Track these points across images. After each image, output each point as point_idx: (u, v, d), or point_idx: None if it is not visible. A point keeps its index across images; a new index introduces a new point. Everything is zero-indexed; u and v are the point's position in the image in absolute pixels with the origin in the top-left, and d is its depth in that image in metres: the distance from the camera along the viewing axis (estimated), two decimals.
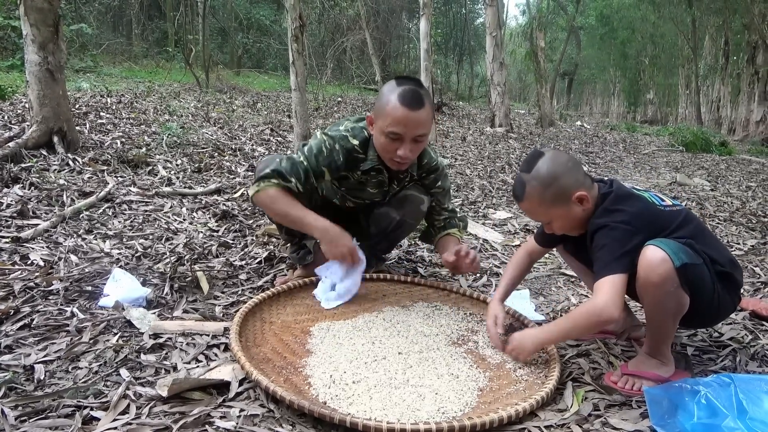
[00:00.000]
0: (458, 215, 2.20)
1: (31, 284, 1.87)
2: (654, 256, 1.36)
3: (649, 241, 1.40)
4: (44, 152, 3.41)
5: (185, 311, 1.84)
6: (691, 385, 1.32)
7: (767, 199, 4.87)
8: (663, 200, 1.55)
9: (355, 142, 1.91)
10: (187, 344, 1.60)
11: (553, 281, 2.45)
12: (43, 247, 2.23)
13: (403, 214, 2.08)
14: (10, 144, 3.27)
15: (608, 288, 1.38)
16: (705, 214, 3.99)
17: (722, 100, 16.28)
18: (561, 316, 2.04)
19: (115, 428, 1.20)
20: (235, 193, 3.39)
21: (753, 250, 3.07)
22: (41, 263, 2.07)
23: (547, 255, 2.38)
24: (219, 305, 1.90)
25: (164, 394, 1.31)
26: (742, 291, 1.62)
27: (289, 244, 2.16)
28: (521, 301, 2.06)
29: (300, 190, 1.84)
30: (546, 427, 1.32)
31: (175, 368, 1.47)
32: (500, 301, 1.74)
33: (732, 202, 4.58)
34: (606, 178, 1.60)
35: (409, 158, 1.82)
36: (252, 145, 5.01)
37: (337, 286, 1.93)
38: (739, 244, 3.19)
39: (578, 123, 14.02)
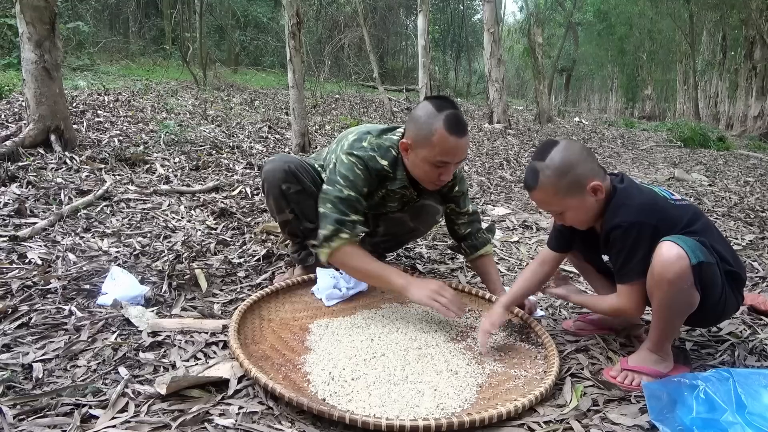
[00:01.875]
0: (480, 221, 2.15)
1: (29, 283, 1.86)
2: (670, 252, 1.34)
3: (665, 237, 1.38)
4: (41, 151, 3.41)
5: (184, 309, 1.83)
6: (689, 379, 1.32)
7: (765, 194, 4.88)
8: (673, 195, 1.55)
9: (384, 162, 1.85)
10: (186, 342, 1.60)
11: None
12: (40, 246, 2.22)
13: (419, 223, 2.09)
14: (7, 142, 3.26)
15: (631, 295, 1.47)
16: (703, 209, 3.98)
17: (720, 96, 16.31)
18: (560, 312, 2.05)
19: (114, 426, 1.20)
20: (233, 190, 3.38)
21: (751, 245, 3.08)
22: (39, 262, 2.06)
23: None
24: (217, 303, 1.90)
25: (163, 391, 1.31)
26: None
27: (290, 243, 2.15)
28: None
29: (361, 221, 1.79)
30: (545, 422, 1.32)
31: (173, 366, 1.47)
32: (503, 305, 1.70)
33: (730, 197, 4.59)
34: (617, 171, 1.59)
35: (450, 179, 1.82)
36: (250, 142, 5.00)
37: (342, 288, 1.94)
38: (737, 239, 3.20)
39: (576, 119, 14.00)
